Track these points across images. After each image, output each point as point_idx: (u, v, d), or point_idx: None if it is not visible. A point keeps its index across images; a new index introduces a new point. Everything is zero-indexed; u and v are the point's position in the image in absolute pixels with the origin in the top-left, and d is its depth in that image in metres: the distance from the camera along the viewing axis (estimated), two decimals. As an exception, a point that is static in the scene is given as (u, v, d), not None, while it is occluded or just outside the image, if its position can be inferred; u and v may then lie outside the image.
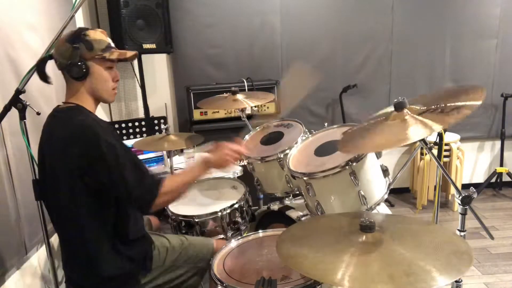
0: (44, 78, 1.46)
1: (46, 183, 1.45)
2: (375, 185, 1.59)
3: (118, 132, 3.23)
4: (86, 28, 1.45)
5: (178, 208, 1.91)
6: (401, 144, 1.20)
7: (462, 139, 3.66)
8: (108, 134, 1.35)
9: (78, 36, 1.40)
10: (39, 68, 1.45)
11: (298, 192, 1.88)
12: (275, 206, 2.07)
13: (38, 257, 1.97)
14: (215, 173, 1.78)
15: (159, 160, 2.57)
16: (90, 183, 1.34)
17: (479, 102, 1.19)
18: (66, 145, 1.34)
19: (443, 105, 1.26)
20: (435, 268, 0.98)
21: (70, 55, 1.38)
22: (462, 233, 1.33)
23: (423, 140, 1.33)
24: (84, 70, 1.40)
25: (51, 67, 1.47)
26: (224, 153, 1.55)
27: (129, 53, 1.50)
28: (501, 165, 3.93)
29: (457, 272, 0.98)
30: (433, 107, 1.28)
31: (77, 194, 1.36)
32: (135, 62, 3.26)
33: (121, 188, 1.35)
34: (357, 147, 1.42)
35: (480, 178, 4.12)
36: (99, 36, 1.43)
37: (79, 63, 1.38)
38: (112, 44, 1.47)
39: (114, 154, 1.33)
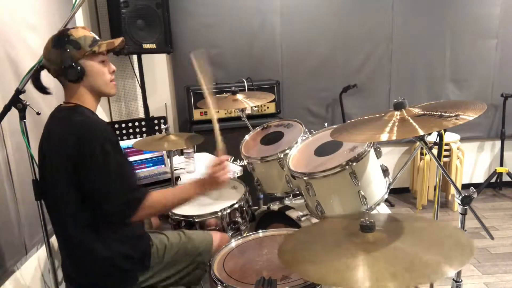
0: (43, 89, 1.46)
1: (46, 182, 1.46)
2: (375, 185, 1.59)
3: (118, 132, 3.23)
4: (67, 28, 1.43)
5: (178, 208, 1.91)
6: (383, 139, 1.23)
7: (462, 139, 3.66)
8: (105, 138, 1.34)
9: (63, 38, 1.39)
10: (35, 81, 1.45)
11: (298, 192, 1.87)
12: (275, 206, 2.06)
13: (38, 257, 1.97)
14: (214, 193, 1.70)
15: (159, 160, 2.57)
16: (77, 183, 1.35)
17: (472, 117, 1.20)
18: (62, 145, 1.35)
19: (442, 112, 1.28)
20: (437, 261, 0.99)
21: (61, 60, 1.37)
22: (462, 233, 1.33)
23: (423, 140, 1.34)
24: (79, 71, 1.39)
25: (46, 74, 1.47)
26: (212, 172, 1.48)
27: (117, 41, 1.49)
28: (501, 165, 3.93)
29: (459, 263, 0.99)
30: (432, 112, 1.30)
31: (75, 193, 1.36)
32: (135, 62, 3.26)
33: (101, 195, 1.35)
34: (346, 136, 1.45)
35: (480, 178, 4.12)
36: (82, 32, 1.42)
37: (73, 65, 1.38)
38: (98, 38, 1.46)
39: (103, 161, 1.32)
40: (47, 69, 1.43)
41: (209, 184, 1.49)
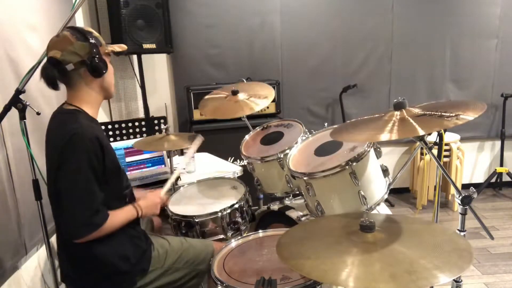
0: (56, 84, 1.41)
1: (48, 181, 1.45)
2: (375, 185, 1.59)
3: (118, 132, 3.23)
4: (80, 27, 1.44)
5: (178, 208, 1.91)
6: (383, 139, 1.23)
7: (462, 139, 3.66)
8: (86, 152, 1.32)
9: (85, 33, 1.40)
10: (49, 74, 1.38)
11: (298, 192, 1.87)
12: (275, 206, 2.06)
13: (38, 257, 1.97)
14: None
15: (159, 160, 2.57)
16: None
17: (473, 117, 1.20)
18: (54, 150, 1.36)
19: (442, 112, 1.28)
20: (436, 265, 0.99)
21: (89, 52, 1.37)
22: (462, 233, 1.33)
23: (423, 140, 1.34)
24: (105, 65, 1.42)
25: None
26: (154, 199, 1.61)
27: (124, 46, 1.55)
28: (501, 165, 3.93)
29: (458, 269, 0.98)
30: (432, 112, 1.30)
31: None
32: (135, 62, 3.26)
33: (63, 210, 1.34)
34: (346, 136, 1.45)
35: (480, 178, 4.12)
36: (97, 33, 1.46)
37: (101, 58, 1.40)
38: None
39: (74, 177, 1.32)
40: (62, 63, 1.36)
41: (147, 209, 1.56)
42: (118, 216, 1.43)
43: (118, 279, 1.45)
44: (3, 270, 1.66)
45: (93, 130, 1.39)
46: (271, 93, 2.24)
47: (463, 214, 1.33)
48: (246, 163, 2.04)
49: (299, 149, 1.83)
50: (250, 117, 2.38)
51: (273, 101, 3.31)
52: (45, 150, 1.45)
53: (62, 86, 1.45)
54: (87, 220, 1.33)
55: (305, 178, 1.58)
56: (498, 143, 3.98)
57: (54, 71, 1.37)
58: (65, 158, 1.32)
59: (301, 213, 1.90)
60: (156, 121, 3.38)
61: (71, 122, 1.38)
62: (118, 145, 2.41)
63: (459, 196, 1.29)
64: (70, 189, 1.32)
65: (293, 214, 1.93)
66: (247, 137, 2.20)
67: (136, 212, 1.50)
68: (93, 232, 1.34)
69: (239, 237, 1.65)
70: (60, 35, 1.40)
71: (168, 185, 1.75)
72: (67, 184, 1.33)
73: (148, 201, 1.58)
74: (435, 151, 1.45)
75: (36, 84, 1.46)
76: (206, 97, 2.35)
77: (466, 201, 1.29)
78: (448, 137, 3.59)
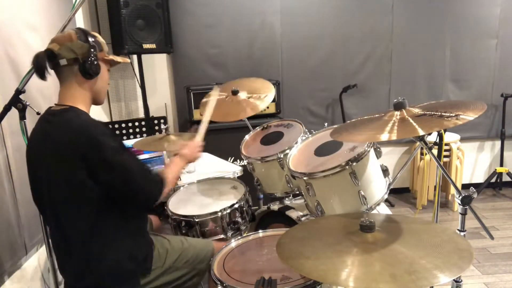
0: (43, 74, 1.39)
1: (39, 186, 1.42)
2: (375, 185, 1.59)
3: (118, 132, 3.24)
4: (88, 30, 1.45)
5: (178, 208, 1.91)
6: (384, 139, 1.24)
7: (462, 139, 3.66)
8: (109, 136, 1.36)
9: (89, 36, 1.41)
10: (40, 64, 1.38)
11: (298, 192, 1.87)
12: (275, 206, 2.06)
13: (38, 257, 1.97)
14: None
15: (159, 160, 2.56)
16: (95, 186, 1.33)
17: (473, 117, 1.20)
18: (66, 149, 1.32)
19: (442, 112, 1.28)
20: (436, 265, 0.99)
21: (86, 52, 1.38)
22: (462, 233, 1.34)
23: (423, 140, 1.34)
24: (98, 67, 1.42)
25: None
26: (193, 147, 1.73)
27: (128, 59, 1.59)
28: (501, 165, 3.93)
29: (458, 269, 0.98)
30: (432, 112, 1.30)
31: (78, 196, 1.33)
32: (135, 62, 3.26)
33: (130, 187, 1.37)
34: (346, 136, 1.47)
35: (480, 178, 4.12)
36: (102, 39, 1.47)
37: (95, 61, 1.40)
38: None
39: (119, 157, 1.35)
40: (58, 57, 1.37)
41: (189, 158, 1.70)
42: (172, 169, 1.57)
43: (122, 279, 1.44)
44: (3, 270, 1.66)
45: (99, 121, 1.42)
46: (270, 89, 2.24)
47: (463, 214, 1.33)
48: (246, 163, 2.04)
49: (299, 149, 1.83)
50: (250, 117, 2.38)
51: (273, 101, 3.31)
52: (33, 155, 1.42)
53: (56, 85, 1.45)
54: (153, 179, 1.43)
55: (305, 178, 1.58)
56: (498, 143, 3.98)
57: (45, 60, 1.38)
58: (98, 149, 1.31)
59: (301, 213, 1.90)
60: (156, 121, 3.39)
61: (75, 118, 1.37)
62: (118, 145, 2.40)
63: (459, 196, 1.29)
64: (124, 167, 1.36)
65: (293, 214, 1.93)
66: (247, 137, 2.20)
67: (183, 161, 1.65)
68: (164, 186, 1.44)
69: (239, 237, 1.65)
70: (65, 32, 1.42)
71: (202, 129, 1.84)
72: (118, 165, 1.35)
73: (190, 147, 1.71)
74: (435, 151, 1.46)
75: (36, 84, 1.46)
76: (204, 99, 2.30)
77: (466, 201, 1.29)
78: (448, 137, 3.59)
